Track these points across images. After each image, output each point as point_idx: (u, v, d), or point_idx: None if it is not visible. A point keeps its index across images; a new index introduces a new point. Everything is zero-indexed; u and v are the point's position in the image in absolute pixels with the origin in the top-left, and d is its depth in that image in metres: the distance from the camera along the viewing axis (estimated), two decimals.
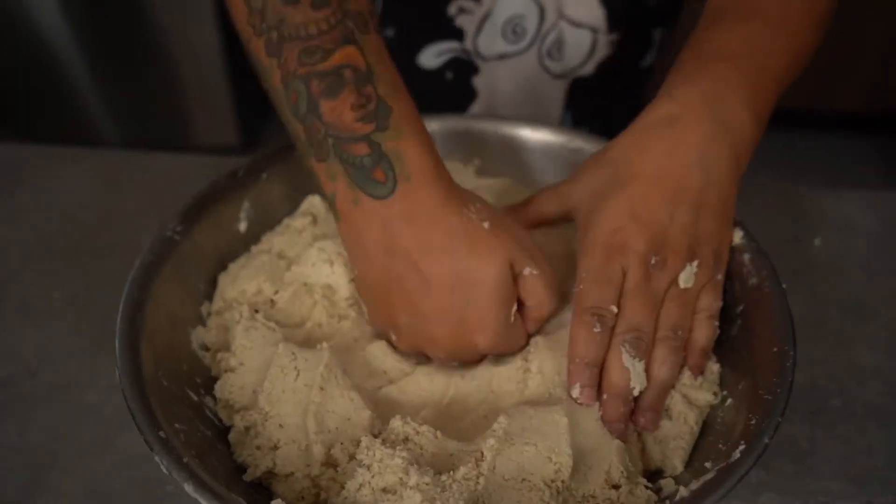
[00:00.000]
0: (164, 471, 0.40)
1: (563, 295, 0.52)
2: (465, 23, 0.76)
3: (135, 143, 2.03)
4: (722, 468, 0.41)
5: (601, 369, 0.47)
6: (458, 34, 0.77)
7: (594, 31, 0.76)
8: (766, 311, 0.49)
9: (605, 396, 0.46)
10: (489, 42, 0.77)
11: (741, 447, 0.41)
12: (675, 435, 0.47)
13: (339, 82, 0.44)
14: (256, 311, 0.53)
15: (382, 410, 0.49)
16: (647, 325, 0.47)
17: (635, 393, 0.46)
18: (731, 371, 0.49)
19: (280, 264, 0.56)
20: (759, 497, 0.52)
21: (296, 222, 0.60)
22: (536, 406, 0.47)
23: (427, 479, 0.41)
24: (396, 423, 0.45)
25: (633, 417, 0.47)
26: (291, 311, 0.54)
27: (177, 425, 0.44)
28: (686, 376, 0.49)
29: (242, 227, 0.59)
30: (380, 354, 0.52)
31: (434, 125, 0.61)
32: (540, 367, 0.49)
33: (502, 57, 0.78)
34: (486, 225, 0.46)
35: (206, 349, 0.53)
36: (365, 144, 0.44)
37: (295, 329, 0.54)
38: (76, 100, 1.95)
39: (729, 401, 0.47)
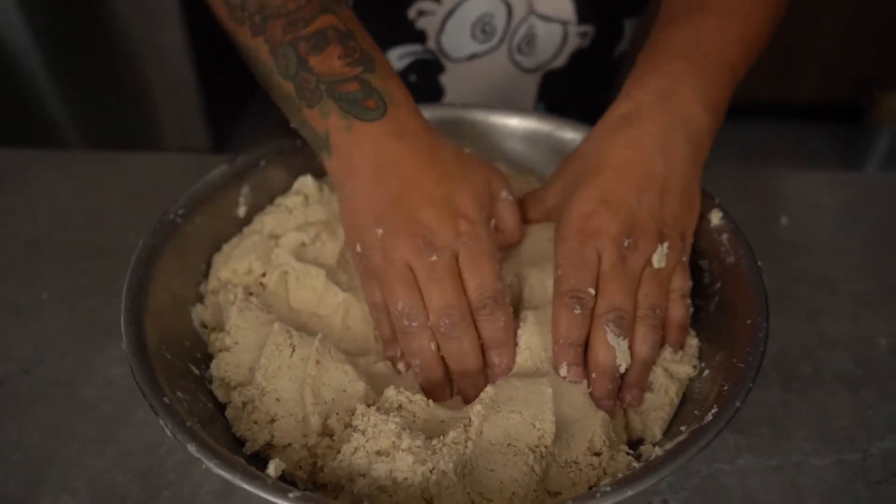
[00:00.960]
0: (169, 433, 0.42)
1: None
2: (427, 24, 0.77)
3: (102, 147, 2.01)
4: (694, 430, 0.43)
5: (585, 349, 0.49)
6: (419, 36, 0.78)
7: (564, 24, 0.78)
8: (741, 288, 0.51)
9: (593, 375, 0.48)
10: (458, 44, 0.78)
11: (713, 411, 0.44)
12: (656, 406, 0.49)
13: (324, 40, 0.50)
14: (251, 294, 0.55)
15: (376, 383, 0.51)
16: (627, 305, 0.49)
17: (621, 370, 0.48)
18: (709, 345, 0.51)
19: (270, 244, 0.59)
20: (737, 459, 0.55)
21: (287, 201, 0.62)
22: (523, 378, 0.49)
23: (419, 443, 0.44)
24: (390, 392, 0.48)
25: (620, 394, 0.49)
26: (282, 294, 0.57)
27: (180, 394, 0.46)
28: (667, 351, 0.51)
29: (241, 211, 0.62)
30: (370, 333, 0.55)
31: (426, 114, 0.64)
32: (528, 342, 0.51)
33: (473, 57, 0.80)
34: (466, 150, 0.52)
35: (205, 326, 0.56)
36: (355, 83, 0.50)
37: (288, 312, 0.56)
38: (40, 103, 1.91)
39: (706, 372, 0.50)
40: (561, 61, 0.82)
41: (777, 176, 0.83)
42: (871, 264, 0.72)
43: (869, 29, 2.20)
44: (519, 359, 0.51)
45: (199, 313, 0.56)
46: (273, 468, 0.42)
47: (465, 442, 0.45)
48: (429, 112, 0.65)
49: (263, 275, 0.57)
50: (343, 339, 0.55)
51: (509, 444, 0.45)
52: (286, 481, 0.46)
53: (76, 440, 0.57)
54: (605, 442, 0.46)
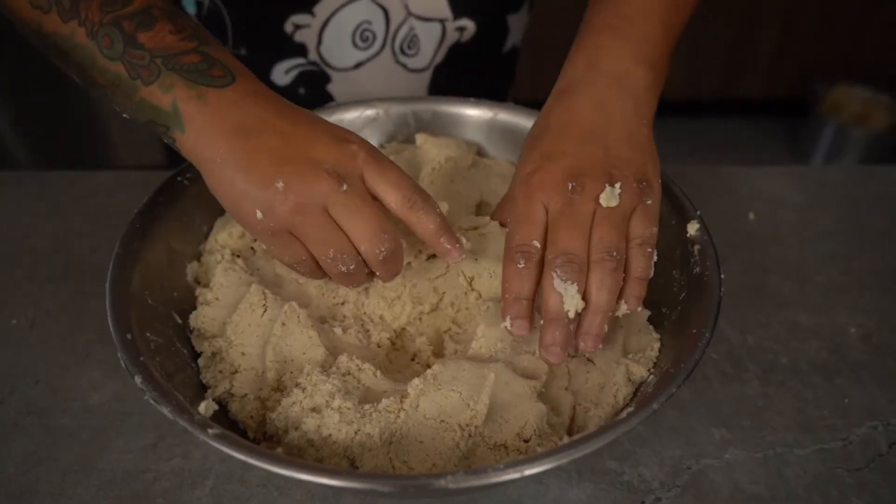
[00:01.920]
0: (122, 364, 0.46)
1: None
2: (305, 37, 0.77)
3: (53, 165, 1.96)
4: (604, 426, 0.44)
5: (533, 301, 0.50)
6: (300, 50, 0.78)
7: (442, 21, 0.78)
8: (701, 298, 0.52)
9: (541, 322, 0.49)
10: (340, 53, 0.79)
11: (629, 410, 0.45)
12: (603, 405, 0.50)
13: (150, 17, 0.48)
14: (238, 257, 0.60)
15: (340, 351, 0.54)
16: (577, 249, 0.49)
17: (570, 315, 0.48)
18: (666, 351, 0.52)
19: None
20: (724, 454, 0.56)
21: None
22: (473, 362, 0.51)
23: (349, 405, 0.47)
24: (343, 358, 0.51)
25: (574, 341, 0.50)
26: (269, 259, 0.60)
27: (149, 335, 0.50)
28: (630, 353, 0.53)
29: None
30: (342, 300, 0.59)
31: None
32: (485, 331, 0.53)
33: (359, 65, 0.80)
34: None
35: (198, 282, 0.60)
36: (195, 55, 0.48)
37: (273, 277, 0.60)
38: None
39: (651, 377, 0.51)
40: (440, 57, 0.82)
41: (740, 171, 0.85)
42: (837, 255, 0.74)
43: (810, 25, 2.27)
44: (475, 345, 0.53)
45: (194, 270, 0.60)
46: (204, 407, 0.46)
47: (398, 412, 0.47)
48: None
49: (255, 240, 0.61)
50: (320, 306, 0.58)
51: (442, 420, 0.47)
52: (238, 428, 0.51)
53: (57, 469, 0.56)
54: (535, 431, 0.48)
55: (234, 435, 0.43)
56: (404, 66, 0.81)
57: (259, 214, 0.47)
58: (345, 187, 0.47)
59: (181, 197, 0.61)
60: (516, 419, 0.48)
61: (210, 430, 0.42)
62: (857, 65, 2.33)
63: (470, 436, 0.47)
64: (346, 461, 0.46)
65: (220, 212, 0.64)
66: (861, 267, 0.72)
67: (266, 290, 0.55)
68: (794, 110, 2.43)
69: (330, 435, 0.46)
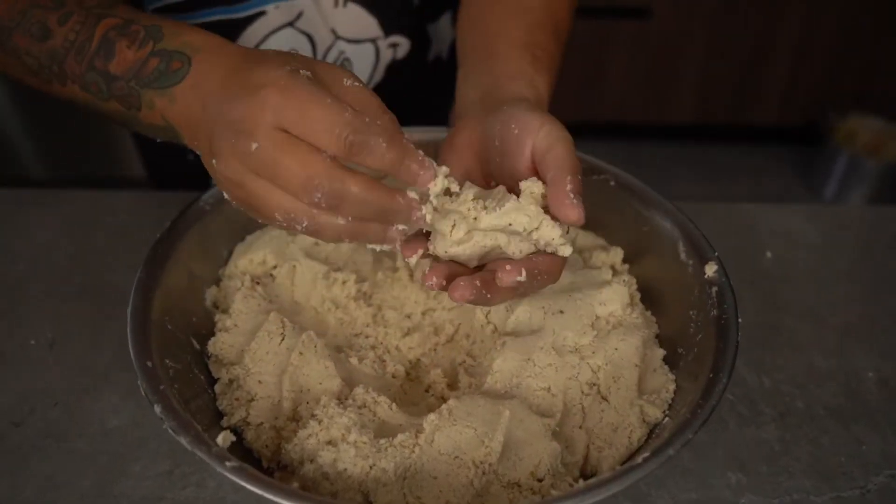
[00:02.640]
0: (142, 393, 0.46)
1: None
2: None
3: (81, 180, 1.97)
4: (619, 470, 0.45)
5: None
6: None
7: (373, 40, 0.78)
8: (718, 341, 0.51)
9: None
10: None
11: (644, 455, 0.45)
12: (617, 446, 0.50)
13: (109, 43, 0.50)
14: (258, 283, 0.60)
15: (356, 381, 0.54)
16: None
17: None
18: (682, 393, 0.52)
19: (287, 240, 0.63)
20: (740, 499, 0.56)
21: None
22: (489, 398, 0.51)
23: (365, 439, 0.47)
24: (359, 391, 0.51)
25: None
26: (288, 286, 0.61)
27: (168, 362, 0.51)
28: (648, 388, 0.53)
29: None
30: (361, 332, 0.60)
31: None
32: (501, 366, 0.54)
33: None
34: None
35: (216, 307, 0.60)
36: (153, 59, 0.49)
37: (291, 304, 0.60)
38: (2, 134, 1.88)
39: (666, 419, 0.51)
40: (378, 76, 0.82)
41: (757, 210, 0.85)
42: (854, 296, 0.73)
43: (824, 54, 2.27)
44: (489, 379, 0.53)
45: (213, 294, 0.61)
46: (222, 438, 0.46)
47: (413, 447, 0.47)
48: None
49: (275, 267, 0.62)
50: (337, 334, 0.59)
51: (456, 457, 0.47)
52: (252, 457, 0.51)
53: (73, 494, 0.55)
54: (549, 470, 0.48)
55: (251, 468, 0.43)
56: None
57: (226, 195, 0.48)
58: (254, 146, 0.42)
59: (202, 221, 0.61)
60: (530, 457, 0.48)
61: (228, 463, 0.42)
62: (870, 95, 2.33)
63: (484, 473, 0.47)
64: (360, 495, 0.46)
65: (241, 237, 0.65)
66: (878, 309, 0.72)
67: (284, 319, 0.56)
68: (806, 139, 2.43)
69: (345, 469, 0.46)
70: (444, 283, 0.48)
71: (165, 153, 0.87)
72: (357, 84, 0.46)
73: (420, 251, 0.50)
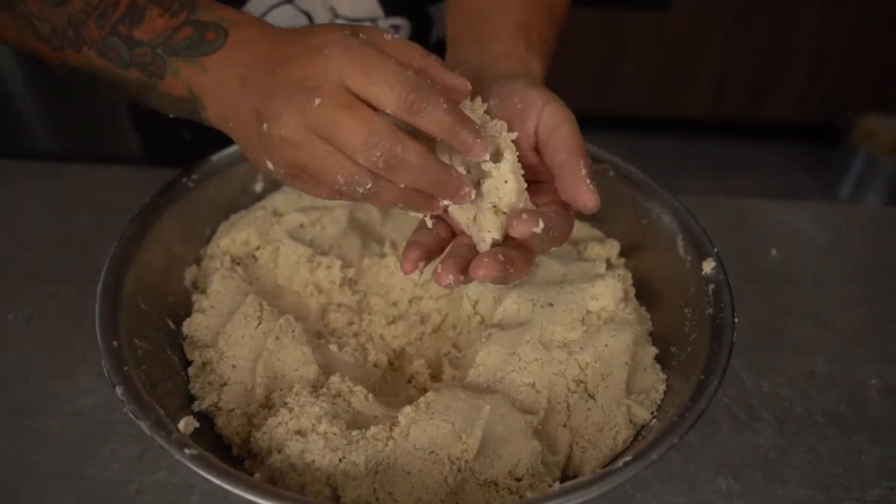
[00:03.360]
0: (105, 373, 0.44)
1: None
2: None
3: (81, 155, 1.96)
4: (599, 473, 0.43)
5: None
6: None
7: (373, 20, 0.76)
8: (711, 341, 0.49)
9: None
10: None
11: (626, 459, 0.43)
12: (600, 446, 0.48)
13: (138, 10, 0.47)
14: (238, 264, 0.58)
15: (334, 369, 0.52)
16: None
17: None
18: (671, 395, 0.50)
19: (272, 220, 0.61)
20: None
21: None
22: (469, 391, 0.49)
23: (335, 430, 0.45)
24: (335, 379, 0.49)
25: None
26: (271, 269, 0.59)
27: (138, 342, 0.49)
28: (637, 388, 0.51)
29: (258, 186, 0.65)
30: (344, 319, 0.57)
31: None
32: (485, 359, 0.51)
33: None
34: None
35: (196, 288, 0.59)
36: (186, 28, 0.46)
37: (273, 287, 0.59)
38: (11, 109, 1.87)
39: (654, 420, 0.48)
40: None
41: (764, 207, 0.82)
42: (860, 298, 0.71)
43: (843, 51, 2.23)
44: (472, 372, 0.51)
45: (193, 274, 0.59)
46: (184, 424, 0.44)
47: (387, 440, 0.45)
48: None
49: (258, 248, 0.60)
50: (318, 320, 0.57)
51: (431, 451, 0.45)
52: (223, 444, 0.49)
53: (39, 476, 0.54)
54: (528, 470, 0.46)
55: (211, 457, 0.41)
56: None
57: (269, 164, 0.45)
58: (317, 102, 0.41)
59: (185, 199, 0.59)
60: (509, 455, 0.46)
61: (188, 451, 0.41)
62: (889, 94, 2.28)
63: (459, 470, 0.45)
64: (328, 489, 0.45)
65: (225, 215, 0.63)
66: (884, 313, 0.69)
67: (263, 302, 0.54)
68: (823, 137, 2.39)
69: (314, 461, 0.44)
70: (462, 277, 0.46)
71: (161, 131, 0.85)
72: (396, 37, 0.45)
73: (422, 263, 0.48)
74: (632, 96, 2.36)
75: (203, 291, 0.57)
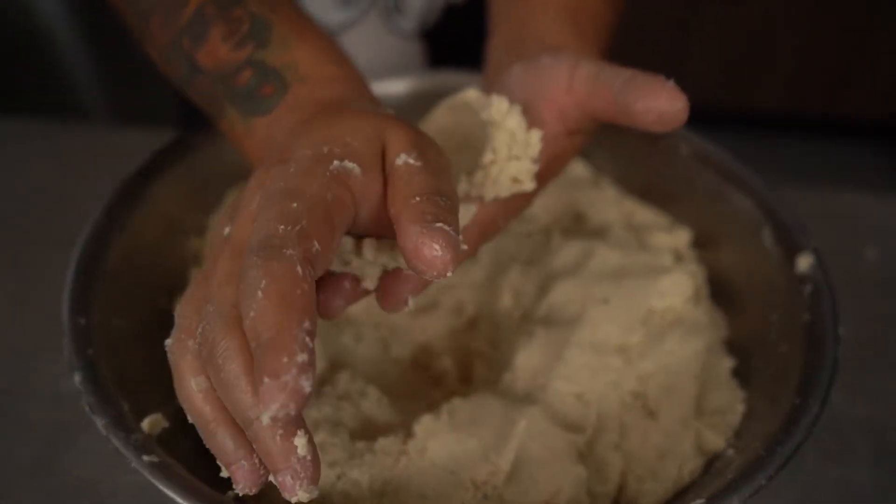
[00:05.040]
0: (65, 356, 0.38)
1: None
2: None
3: (130, 120, 1.95)
4: None
5: None
6: None
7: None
8: (807, 356, 0.40)
9: None
10: (320, 11, 0.68)
11: (699, 502, 0.34)
12: (662, 478, 0.40)
13: (202, 23, 0.38)
14: None
15: (343, 363, 0.45)
16: None
17: None
18: (752, 419, 0.41)
19: None
20: None
21: None
22: (503, 400, 0.41)
23: (336, 440, 0.38)
24: (343, 377, 0.43)
25: None
26: None
27: (116, 321, 0.42)
28: (710, 408, 0.42)
29: None
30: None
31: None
32: (526, 362, 0.44)
33: (341, 27, 0.69)
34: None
35: (198, 262, 0.52)
36: (248, 69, 0.38)
37: None
38: (65, 74, 1.86)
39: (731, 451, 0.40)
40: (433, 18, 0.71)
41: (860, 201, 0.71)
42: None
43: None
44: (508, 376, 0.44)
45: (195, 246, 0.52)
46: (149, 424, 0.36)
47: (398, 455, 0.38)
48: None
49: None
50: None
51: (452, 472, 0.37)
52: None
53: (8, 467, 0.48)
54: (569, 501, 0.38)
55: (174, 465, 0.34)
56: (398, 28, 0.70)
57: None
58: (226, 231, 0.33)
59: (191, 159, 0.52)
60: (547, 482, 0.38)
61: (146, 457, 0.34)
62: None
63: (486, 496, 0.37)
64: None
65: (236, 180, 0.55)
66: None
67: None
68: None
69: None
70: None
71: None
72: (411, 161, 0.32)
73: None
74: (698, 90, 2.25)
75: (194, 266, 0.50)
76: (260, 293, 0.25)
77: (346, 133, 0.32)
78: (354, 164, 0.31)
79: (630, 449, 0.41)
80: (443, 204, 0.29)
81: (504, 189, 0.37)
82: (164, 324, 0.46)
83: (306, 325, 0.25)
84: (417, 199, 0.29)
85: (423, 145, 0.33)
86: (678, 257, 0.51)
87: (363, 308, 0.49)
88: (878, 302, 0.60)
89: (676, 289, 0.46)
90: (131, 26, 0.43)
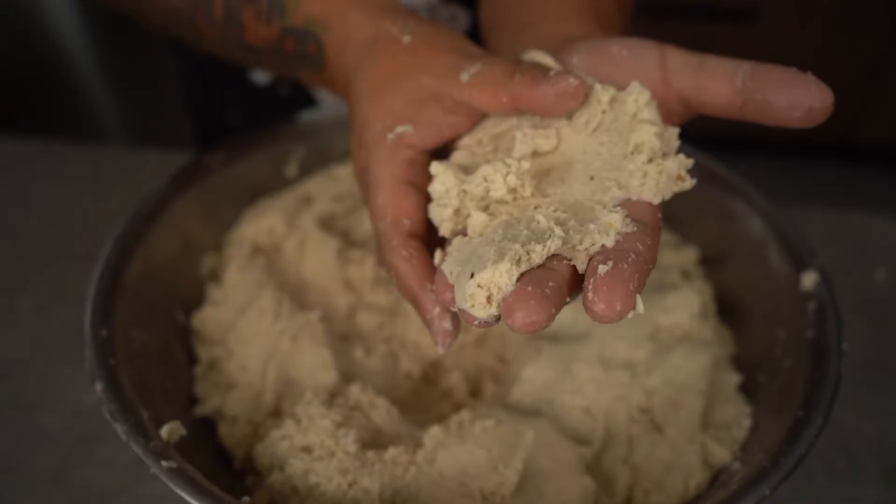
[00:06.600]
0: (87, 366, 0.39)
1: None
2: None
3: (148, 142, 1.97)
4: None
5: None
6: None
7: (431, 9, 0.68)
8: (811, 371, 0.41)
9: None
10: None
11: None
12: (669, 493, 0.40)
13: (235, 12, 0.42)
14: (260, 254, 0.52)
15: (357, 377, 0.45)
16: None
17: None
18: (758, 432, 0.42)
19: (301, 207, 0.55)
20: None
21: (340, 169, 0.58)
22: (512, 412, 0.42)
23: (348, 449, 0.38)
24: (354, 389, 0.43)
25: None
26: (297, 261, 0.52)
27: (136, 333, 0.43)
28: (716, 422, 0.43)
29: (292, 170, 0.58)
30: (374, 321, 0.50)
31: None
32: (533, 376, 0.44)
33: None
34: (405, 39, 0.37)
35: (214, 278, 0.53)
36: (289, 39, 0.41)
37: (297, 281, 0.52)
38: (84, 97, 1.88)
39: (735, 464, 0.40)
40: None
41: (869, 222, 0.71)
42: None
43: None
44: (516, 390, 0.44)
45: (211, 262, 0.53)
46: (167, 431, 0.37)
47: (408, 465, 0.38)
48: None
49: (284, 237, 0.54)
50: (345, 321, 0.50)
51: (461, 483, 0.38)
52: (224, 457, 0.43)
53: (29, 478, 0.49)
54: None
55: (194, 472, 0.35)
56: None
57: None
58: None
59: (208, 179, 0.54)
60: (555, 493, 0.38)
61: (164, 463, 0.34)
62: None
63: None
64: None
65: (251, 200, 0.57)
66: None
67: (282, 297, 0.47)
68: None
69: (318, 484, 0.38)
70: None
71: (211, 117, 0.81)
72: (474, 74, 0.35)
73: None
74: (708, 117, 2.24)
75: (212, 282, 0.52)
76: None
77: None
78: None
79: (637, 462, 0.41)
80: None
81: (667, 189, 0.33)
82: (181, 336, 0.48)
83: None
84: None
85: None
86: (686, 275, 0.52)
87: (375, 324, 0.50)
88: (888, 322, 0.60)
89: (684, 305, 0.47)
90: (180, 36, 0.46)
